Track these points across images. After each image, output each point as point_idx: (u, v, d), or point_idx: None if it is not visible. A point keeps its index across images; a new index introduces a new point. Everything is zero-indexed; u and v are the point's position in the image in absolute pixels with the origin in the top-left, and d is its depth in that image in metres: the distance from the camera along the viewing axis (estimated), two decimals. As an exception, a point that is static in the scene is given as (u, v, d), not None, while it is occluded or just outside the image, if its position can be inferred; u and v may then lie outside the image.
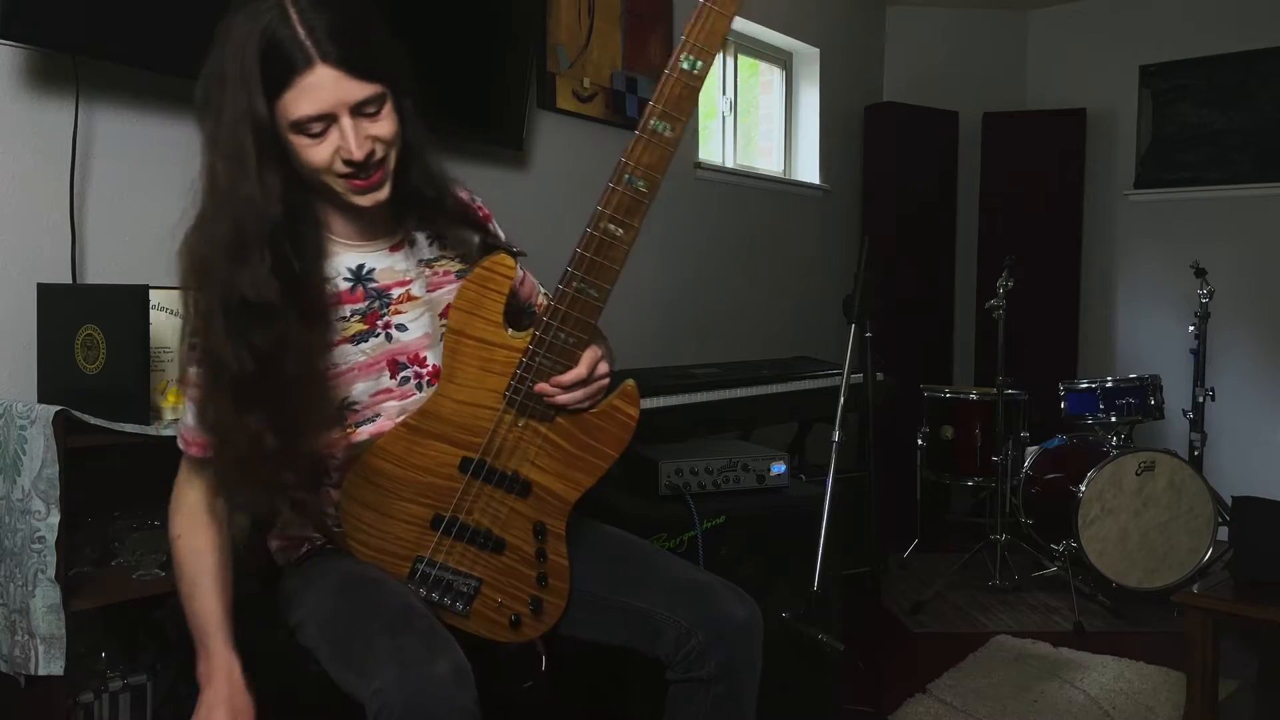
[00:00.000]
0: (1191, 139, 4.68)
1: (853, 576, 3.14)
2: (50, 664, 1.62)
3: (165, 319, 1.95)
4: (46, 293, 1.85)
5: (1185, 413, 3.70)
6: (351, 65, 1.27)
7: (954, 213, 4.89)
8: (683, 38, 1.31)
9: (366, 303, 1.43)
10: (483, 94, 2.79)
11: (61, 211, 1.99)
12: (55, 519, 1.61)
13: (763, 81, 4.46)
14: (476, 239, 1.52)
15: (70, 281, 1.98)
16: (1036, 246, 4.64)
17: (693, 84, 1.31)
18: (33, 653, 1.62)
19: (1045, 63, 5.10)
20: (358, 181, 1.33)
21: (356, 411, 1.43)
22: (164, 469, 1.54)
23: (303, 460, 1.37)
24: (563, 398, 1.40)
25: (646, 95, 3.41)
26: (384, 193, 1.36)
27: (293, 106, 1.26)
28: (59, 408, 1.62)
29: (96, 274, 2.04)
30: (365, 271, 1.44)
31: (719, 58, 4.05)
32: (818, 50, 4.46)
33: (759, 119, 4.47)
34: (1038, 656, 2.98)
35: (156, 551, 1.79)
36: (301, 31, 1.24)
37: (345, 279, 1.42)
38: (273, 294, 1.28)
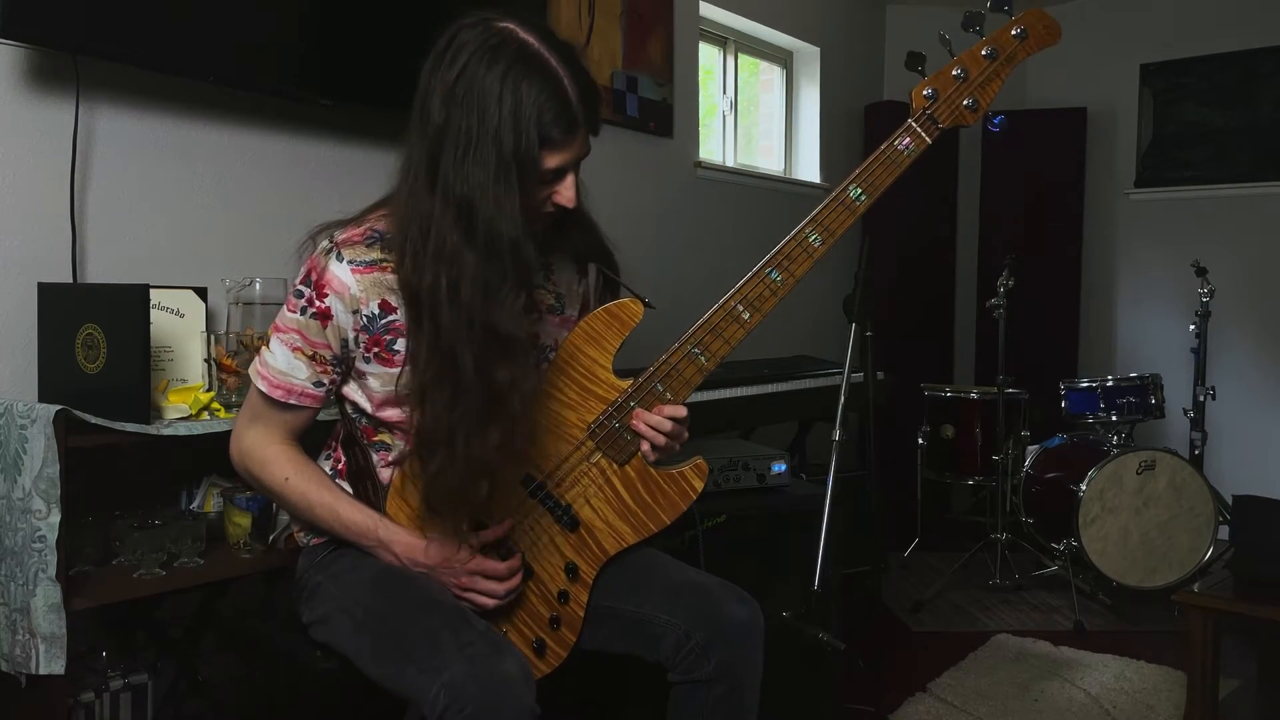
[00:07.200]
0: (1192, 138, 4.67)
1: (853, 576, 3.14)
2: (51, 663, 1.61)
3: (165, 318, 1.95)
4: (47, 292, 1.85)
5: (1186, 412, 3.70)
6: (595, 129, 1.34)
7: (954, 212, 4.88)
8: (856, 171, 1.49)
9: None
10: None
11: (61, 211, 1.99)
12: (56, 518, 1.61)
13: (763, 80, 4.46)
14: (588, 281, 1.57)
15: (70, 281, 1.98)
16: (1037, 246, 4.64)
17: (852, 210, 1.48)
18: (33, 652, 1.62)
19: (1045, 62, 5.07)
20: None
21: None
22: (164, 468, 1.54)
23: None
24: (648, 430, 1.42)
25: (647, 94, 3.41)
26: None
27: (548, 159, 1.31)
28: (59, 407, 1.61)
29: (96, 274, 2.04)
30: None
31: (719, 58, 4.05)
32: (818, 49, 4.45)
33: (759, 118, 4.46)
34: (1038, 655, 2.98)
35: (157, 551, 1.79)
36: (574, 104, 1.29)
37: None
38: None
